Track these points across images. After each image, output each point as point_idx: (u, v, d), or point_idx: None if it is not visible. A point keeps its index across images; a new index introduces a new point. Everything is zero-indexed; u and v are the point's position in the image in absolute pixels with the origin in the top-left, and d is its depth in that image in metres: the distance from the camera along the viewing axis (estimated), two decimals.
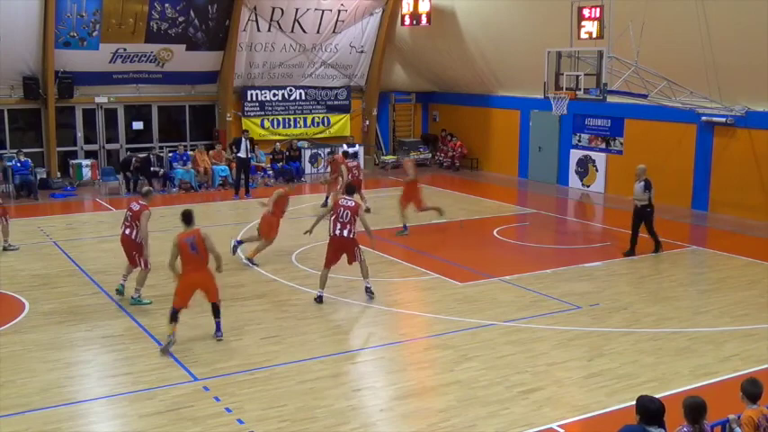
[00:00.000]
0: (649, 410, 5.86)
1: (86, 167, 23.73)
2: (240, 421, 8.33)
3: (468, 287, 13.50)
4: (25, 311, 12.07)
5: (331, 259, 12.58)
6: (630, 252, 15.52)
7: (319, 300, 12.51)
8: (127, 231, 12.51)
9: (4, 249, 15.86)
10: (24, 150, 22.77)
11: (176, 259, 10.60)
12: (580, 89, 17.85)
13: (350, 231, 12.40)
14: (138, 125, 25.58)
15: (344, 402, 8.88)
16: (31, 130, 24.26)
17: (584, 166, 23.73)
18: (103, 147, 25.04)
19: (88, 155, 24.71)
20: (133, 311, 12.02)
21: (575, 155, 24.02)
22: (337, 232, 12.44)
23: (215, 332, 10.90)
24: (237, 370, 9.76)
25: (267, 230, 14.78)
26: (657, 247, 15.74)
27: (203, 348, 10.53)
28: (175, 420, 8.37)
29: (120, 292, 12.82)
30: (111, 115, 25.04)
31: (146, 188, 13.28)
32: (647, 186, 15.40)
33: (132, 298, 12.44)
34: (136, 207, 12.42)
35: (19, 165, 22.25)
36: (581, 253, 16.06)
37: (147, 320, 11.62)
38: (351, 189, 13.20)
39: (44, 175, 23.30)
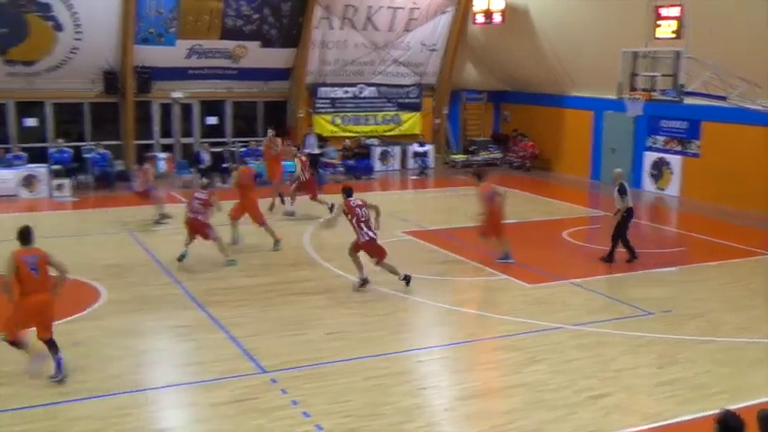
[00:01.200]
0: (731, 427, 5.66)
1: (162, 160, 24.28)
2: (306, 414, 8.41)
3: (537, 289, 13.35)
4: (102, 299, 12.43)
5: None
6: (609, 259, 14.93)
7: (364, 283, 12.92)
8: (199, 217, 14.38)
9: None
10: (103, 143, 23.45)
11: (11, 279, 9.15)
12: (656, 90, 17.45)
13: (371, 229, 12.94)
14: (212, 120, 26.06)
15: (410, 400, 8.88)
16: (109, 124, 24.95)
17: (659, 169, 23.21)
18: (179, 141, 25.58)
19: (164, 148, 25.29)
20: (204, 303, 12.24)
21: (649, 157, 23.51)
22: (371, 234, 12.87)
23: (54, 371, 9.27)
24: (304, 364, 9.85)
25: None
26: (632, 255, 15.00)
27: (271, 341, 10.67)
28: (243, 411, 8.50)
29: (183, 256, 14.40)
30: (186, 110, 25.57)
31: (205, 181, 15.78)
32: (622, 191, 14.71)
33: (227, 261, 14.39)
34: (203, 195, 14.53)
35: (98, 157, 22.91)
36: (653, 257, 15.70)
37: (218, 312, 11.82)
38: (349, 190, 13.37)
39: (122, 168, 23.94)
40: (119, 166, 23.89)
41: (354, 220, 12.79)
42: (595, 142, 25.54)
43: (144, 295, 12.69)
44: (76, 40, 22.56)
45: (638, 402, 8.89)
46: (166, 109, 25.24)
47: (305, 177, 18.92)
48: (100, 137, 24.14)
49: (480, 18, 26.33)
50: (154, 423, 8.38)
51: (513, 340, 10.87)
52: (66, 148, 23.00)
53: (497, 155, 28.63)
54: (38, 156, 23.10)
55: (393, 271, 12.98)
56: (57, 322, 11.07)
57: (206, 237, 14.51)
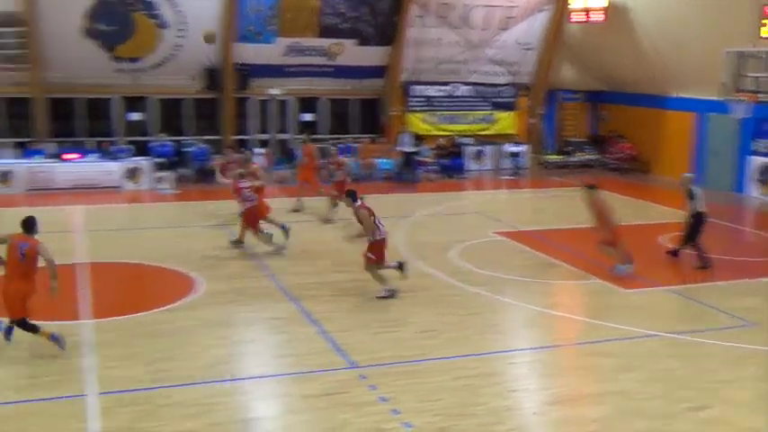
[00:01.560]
0: None
1: (259, 156, 24.77)
2: (395, 411, 8.44)
3: (632, 295, 13.02)
4: (198, 290, 12.78)
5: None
6: (702, 264, 14.44)
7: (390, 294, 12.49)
8: (255, 203, 15.23)
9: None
10: (203, 137, 24.12)
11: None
12: (763, 92, 16.77)
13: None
14: (307, 117, 26.45)
15: (500, 402, 8.80)
16: (209, 119, 25.64)
17: (767, 175, 22.26)
18: (275, 137, 26.06)
19: (262, 144, 25.80)
20: (297, 297, 12.42)
21: (754, 162, 22.58)
22: (385, 232, 12.69)
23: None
24: (394, 361, 9.89)
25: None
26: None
27: (362, 337, 10.75)
28: (333, 404, 8.59)
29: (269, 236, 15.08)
30: (282, 107, 26.02)
31: (241, 171, 16.11)
32: (691, 196, 14.40)
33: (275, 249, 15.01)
34: (247, 183, 15.43)
35: (198, 151, 23.59)
36: (757, 266, 15.10)
37: (311, 305, 11.98)
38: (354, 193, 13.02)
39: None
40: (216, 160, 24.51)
41: (375, 219, 12.57)
42: (697, 145, 24.70)
43: (239, 287, 12.98)
44: (179, 37, 23.28)
45: (739, 416, 8.55)
46: (263, 105, 25.75)
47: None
48: (199, 132, 24.84)
49: (578, 16, 25.86)
50: (246, 412, 8.57)
51: (607, 346, 10.63)
52: (168, 142, 23.77)
53: (593, 156, 28.04)
54: (141, 149, 23.99)
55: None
56: (155, 310, 11.53)
57: (265, 217, 15.24)
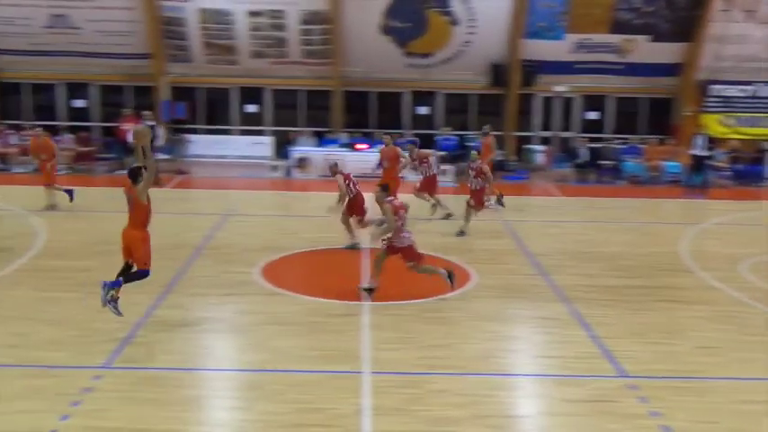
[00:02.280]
0: None
1: (539, 153, 24.64)
2: (666, 429, 7.97)
3: None
4: (472, 282, 12.98)
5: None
6: None
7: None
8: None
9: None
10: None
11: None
12: None
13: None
14: (592, 115, 25.79)
15: None
16: (493, 115, 25.92)
17: None
18: (557, 134, 25.74)
19: (544, 141, 25.63)
20: (569, 298, 12.17)
21: None
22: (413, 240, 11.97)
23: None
24: (669, 375, 9.33)
25: None
26: None
27: (635, 346, 10.26)
28: (598, 412, 8.30)
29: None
30: (567, 104, 25.60)
31: (333, 161, 15.81)
32: None
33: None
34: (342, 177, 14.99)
35: (479, 146, 23.88)
36: None
37: (582, 308, 11.68)
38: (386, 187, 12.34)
39: (500, 158, 24.75)
40: (498, 156, 24.71)
41: (401, 223, 11.78)
42: None
43: (511, 283, 12.99)
44: (469, 33, 23.76)
45: None
46: (547, 102, 25.51)
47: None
48: (482, 127, 25.12)
49: None
50: (510, 408, 8.56)
51: None
52: (452, 136, 24.37)
53: None
54: (426, 142, 24.86)
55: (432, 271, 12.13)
56: (429, 299, 11.86)
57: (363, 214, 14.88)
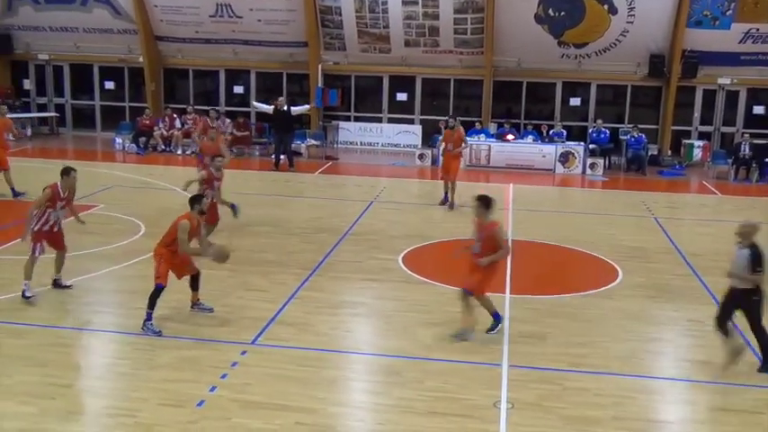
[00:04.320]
0: None
1: (698, 148, 23.54)
2: None
3: None
4: (618, 280, 12.61)
5: None
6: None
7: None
8: None
9: None
10: (640, 126, 23.58)
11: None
12: None
13: None
14: (758, 110, 24.37)
15: None
16: (649, 107, 24.99)
17: None
18: (718, 129, 24.49)
19: (701, 136, 24.48)
20: None
21: None
22: None
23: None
24: None
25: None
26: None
27: None
28: (746, 424, 7.88)
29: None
30: (731, 97, 24.29)
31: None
32: (755, 259, 8.82)
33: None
34: None
35: (633, 140, 23.13)
36: None
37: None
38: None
39: (655, 152, 23.86)
40: (652, 150, 23.84)
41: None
42: None
43: (660, 282, 12.51)
44: (628, 23, 22.95)
45: None
46: (709, 95, 24.30)
47: None
48: (637, 120, 24.30)
49: None
50: (651, 412, 8.27)
51: None
52: (605, 129, 23.68)
53: None
54: (577, 134, 24.34)
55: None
56: (572, 294, 11.61)
57: None
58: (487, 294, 10.05)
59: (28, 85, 27.85)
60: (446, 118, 18.51)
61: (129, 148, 24.20)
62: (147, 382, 8.27)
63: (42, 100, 27.86)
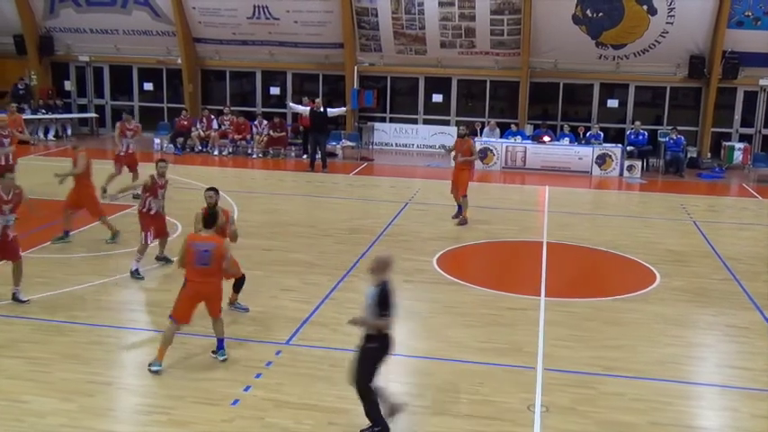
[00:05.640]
0: None
1: (738, 151, 23.15)
2: None
3: None
4: (655, 283, 12.43)
5: None
6: None
7: None
8: None
9: None
10: (679, 128, 23.25)
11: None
12: None
13: None
14: None
15: None
16: (689, 109, 24.64)
17: None
18: (759, 131, 24.07)
19: (742, 138, 24.08)
20: (763, 306, 11.37)
21: None
22: None
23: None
24: None
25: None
26: None
27: None
28: None
29: None
30: None
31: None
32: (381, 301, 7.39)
33: None
34: None
35: (671, 141, 22.82)
36: None
37: None
38: None
39: (694, 154, 23.50)
40: (692, 152, 23.50)
41: None
42: None
43: (699, 287, 12.31)
44: (668, 23, 22.65)
45: None
46: (750, 97, 23.89)
47: None
48: (676, 122, 23.96)
49: None
50: (690, 418, 8.15)
51: None
52: (643, 131, 23.39)
53: None
54: (614, 136, 24.08)
55: None
56: (608, 298, 11.47)
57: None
58: None
59: (69, 86, 28.27)
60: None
61: (166, 148, 24.44)
62: (183, 381, 8.34)
63: (83, 101, 28.25)
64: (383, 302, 7.26)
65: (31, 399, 7.89)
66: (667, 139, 22.98)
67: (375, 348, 7.39)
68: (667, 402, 8.32)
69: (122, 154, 17.35)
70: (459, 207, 16.03)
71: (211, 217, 8.94)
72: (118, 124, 17.93)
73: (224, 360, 8.91)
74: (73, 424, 7.45)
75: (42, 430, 7.34)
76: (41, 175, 15.74)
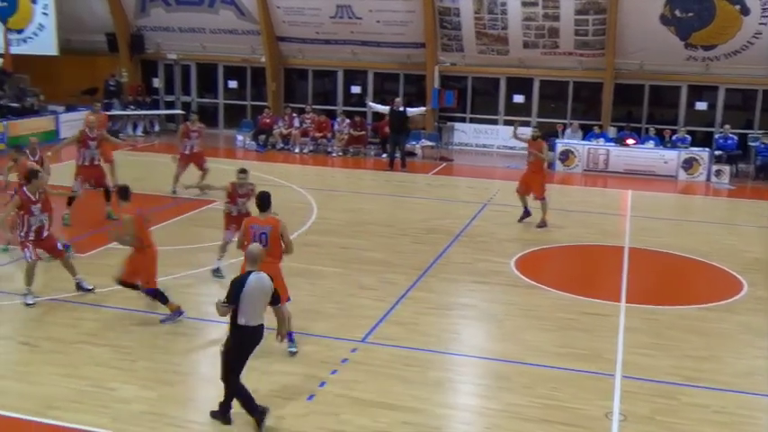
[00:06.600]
0: None
1: None
2: None
3: None
4: (742, 292, 12.03)
5: None
6: None
7: None
8: None
9: None
10: None
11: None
12: None
13: None
14: None
15: None
16: None
17: None
18: None
19: None
20: None
21: None
22: None
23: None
24: None
25: None
26: None
27: None
28: None
29: None
30: None
31: None
32: None
33: None
34: None
35: (762, 146, 22.03)
36: None
37: None
38: None
39: None
40: None
41: None
42: None
43: None
44: (761, 24, 21.86)
45: None
46: None
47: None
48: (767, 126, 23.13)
49: None
50: None
51: None
52: (732, 135, 22.64)
53: None
54: (702, 140, 23.37)
55: None
56: (691, 306, 11.16)
57: None
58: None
59: (157, 83, 29.08)
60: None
61: (249, 145, 24.89)
62: (260, 374, 8.47)
63: (170, 98, 29.02)
64: (228, 292, 7.39)
65: (118, 386, 8.16)
66: (758, 143, 22.19)
67: (231, 339, 7.54)
68: (752, 416, 8.06)
69: (186, 152, 17.53)
70: (526, 209, 15.80)
71: (264, 201, 9.09)
72: (182, 126, 18.23)
73: (294, 354, 9.02)
74: (153, 411, 7.67)
75: (126, 416, 7.58)
76: (136, 169, 16.18)
